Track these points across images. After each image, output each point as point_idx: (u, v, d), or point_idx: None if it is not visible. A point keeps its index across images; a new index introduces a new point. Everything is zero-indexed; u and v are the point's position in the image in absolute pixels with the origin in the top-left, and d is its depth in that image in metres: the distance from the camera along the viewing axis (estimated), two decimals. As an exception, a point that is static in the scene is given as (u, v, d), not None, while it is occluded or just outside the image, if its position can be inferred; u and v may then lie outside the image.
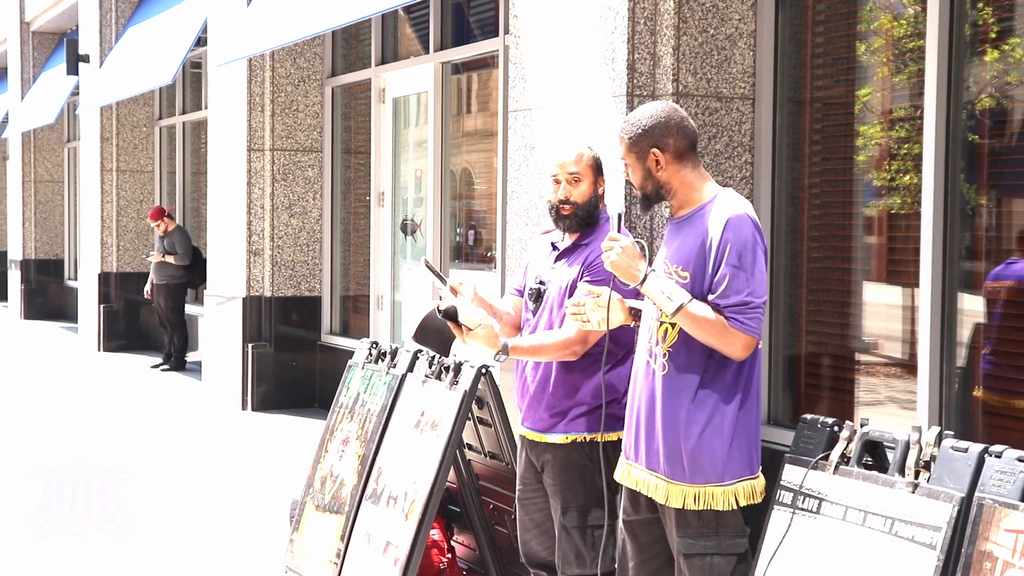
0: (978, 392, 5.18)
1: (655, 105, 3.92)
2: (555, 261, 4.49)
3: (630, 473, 3.96)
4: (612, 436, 4.38)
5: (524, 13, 6.62)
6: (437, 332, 4.70)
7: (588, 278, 4.29)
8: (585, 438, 4.38)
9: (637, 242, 3.83)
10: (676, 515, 3.80)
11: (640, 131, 3.85)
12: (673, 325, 3.78)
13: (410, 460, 5.23)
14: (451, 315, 4.23)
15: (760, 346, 3.83)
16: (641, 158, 3.86)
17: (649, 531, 3.96)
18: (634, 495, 3.97)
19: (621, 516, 4.04)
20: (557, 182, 4.42)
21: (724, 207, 3.78)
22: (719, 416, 3.73)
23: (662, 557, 3.97)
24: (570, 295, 4.35)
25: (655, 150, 3.83)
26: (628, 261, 3.78)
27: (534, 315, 4.50)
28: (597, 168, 4.45)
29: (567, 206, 4.40)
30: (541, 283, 4.50)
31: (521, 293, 4.65)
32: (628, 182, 4.00)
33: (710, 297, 3.71)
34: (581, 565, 4.40)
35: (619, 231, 3.90)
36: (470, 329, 4.20)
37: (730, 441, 3.73)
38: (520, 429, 4.56)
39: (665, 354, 3.80)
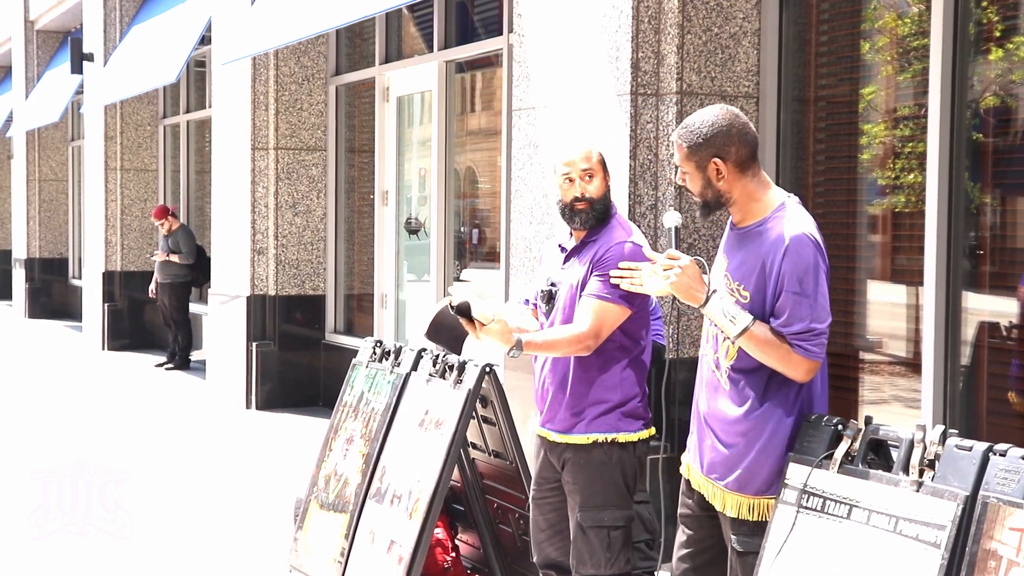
0: (1007, 395, 5.18)
1: (715, 111, 3.72)
2: (564, 262, 4.48)
3: (691, 472, 3.94)
4: (634, 436, 4.39)
5: (528, 12, 6.62)
6: (449, 329, 4.66)
7: (597, 274, 4.29)
8: (606, 438, 4.36)
9: (696, 260, 3.71)
10: (732, 519, 3.78)
11: (700, 140, 3.67)
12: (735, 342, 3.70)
13: (414, 459, 5.23)
14: (464, 311, 4.16)
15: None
16: (701, 167, 3.69)
17: (699, 527, 3.93)
18: (689, 490, 3.95)
19: (679, 507, 4.01)
20: (570, 180, 4.39)
21: (786, 226, 3.62)
22: (781, 431, 3.69)
23: (709, 554, 3.94)
24: (580, 292, 4.34)
25: (716, 160, 3.67)
26: (689, 282, 3.67)
27: (547, 316, 4.50)
28: (604, 165, 4.45)
29: (582, 202, 4.37)
30: (552, 284, 4.49)
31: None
32: (684, 188, 3.87)
33: (772, 323, 3.61)
34: (596, 565, 4.38)
35: (676, 246, 3.81)
36: (483, 325, 4.17)
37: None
38: (540, 430, 4.54)
39: (728, 369, 3.74)
